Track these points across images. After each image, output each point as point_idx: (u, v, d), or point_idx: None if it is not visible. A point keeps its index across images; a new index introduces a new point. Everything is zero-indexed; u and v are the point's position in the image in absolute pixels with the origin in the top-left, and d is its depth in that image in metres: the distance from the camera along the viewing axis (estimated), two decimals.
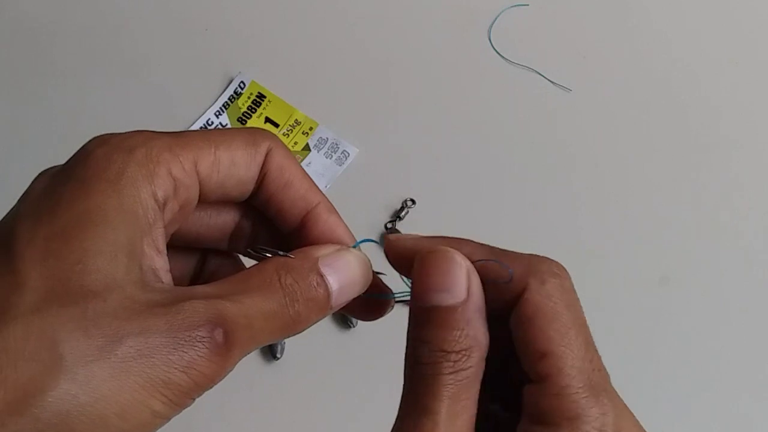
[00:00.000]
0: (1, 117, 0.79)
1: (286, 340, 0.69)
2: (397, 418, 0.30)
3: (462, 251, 0.31)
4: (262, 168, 0.33)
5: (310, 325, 0.31)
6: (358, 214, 0.71)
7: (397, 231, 0.73)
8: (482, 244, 0.32)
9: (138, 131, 0.31)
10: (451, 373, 0.29)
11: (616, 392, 0.30)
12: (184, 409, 0.28)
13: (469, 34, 0.81)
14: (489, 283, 0.30)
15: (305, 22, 0.82)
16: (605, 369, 0.30)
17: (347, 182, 0.75)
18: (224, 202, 0.34)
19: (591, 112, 0.79)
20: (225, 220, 0.35)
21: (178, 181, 0.30)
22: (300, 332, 0.31)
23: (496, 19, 0.81)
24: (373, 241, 0.35)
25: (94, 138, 0.30)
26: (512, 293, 0.30)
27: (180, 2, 0.83)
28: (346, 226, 0.35)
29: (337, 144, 0.77)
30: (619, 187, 0.76)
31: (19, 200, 0.30)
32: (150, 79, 0.80)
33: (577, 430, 0.28)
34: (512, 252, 0.31)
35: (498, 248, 0.32)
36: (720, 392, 0.69)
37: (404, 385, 0.30)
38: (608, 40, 0.81)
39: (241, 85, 0.79)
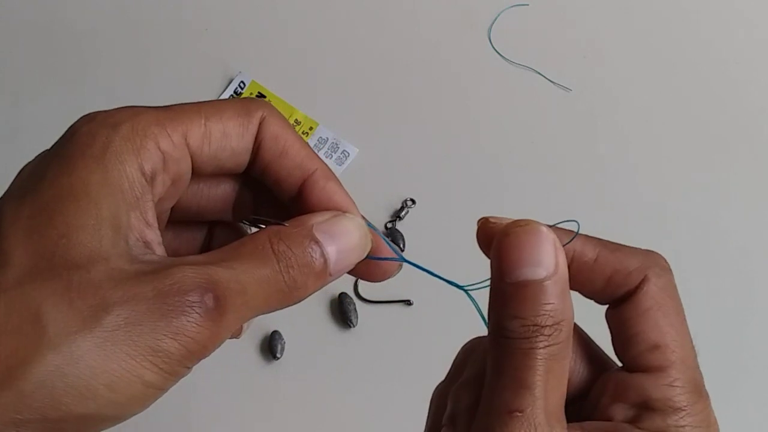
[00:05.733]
0: (1, 117, 0.79)
1: (286, 340, 0.69)
2: (485, 393, 0.29)
3: (574, 245, 0.31)
4: (256, 138, 0.32)
5: (311, 293, 0.30)
6: None
7: (398, 231, 0.73)
8: (589, 237, 0.32)
9: (126, 107, 0.30)
10: (546, 347, 0.28)
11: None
12: (179, 379, 0.27)
13: (469, 34, 0.81)
14: (612, 274, 0.31)
15: (305, 23, 0.82)
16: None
17: (347, 182, 0.73)
18: (221, 174, 0.33)
19: (591, 112, 0.79)
20: (225, 190, 0.34)
21: (167, 154, 0.30)
22: (301, 300, 0.30)
23: (496, 19, 0.81)
24: (370, 225, 0.33)
25: (82, 117, 0.30)
26: (629, 285, 0.30)
27: (180, 2, 0.83)
28: (346, 192, 0.34)
29: (337, 144, 0.77)
30: (619, 187, 0.76)
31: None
32: (150, 79, 0.80)
33: (682, 421, 0.29)
34: (628, 246, 0.31)
35: (610, 242, 0.31)
36: (720, 391, 0.69)
37: (491, 359, 0.29)
38: (608, 40, 0.81)
39: (241, 84, 0.79)
